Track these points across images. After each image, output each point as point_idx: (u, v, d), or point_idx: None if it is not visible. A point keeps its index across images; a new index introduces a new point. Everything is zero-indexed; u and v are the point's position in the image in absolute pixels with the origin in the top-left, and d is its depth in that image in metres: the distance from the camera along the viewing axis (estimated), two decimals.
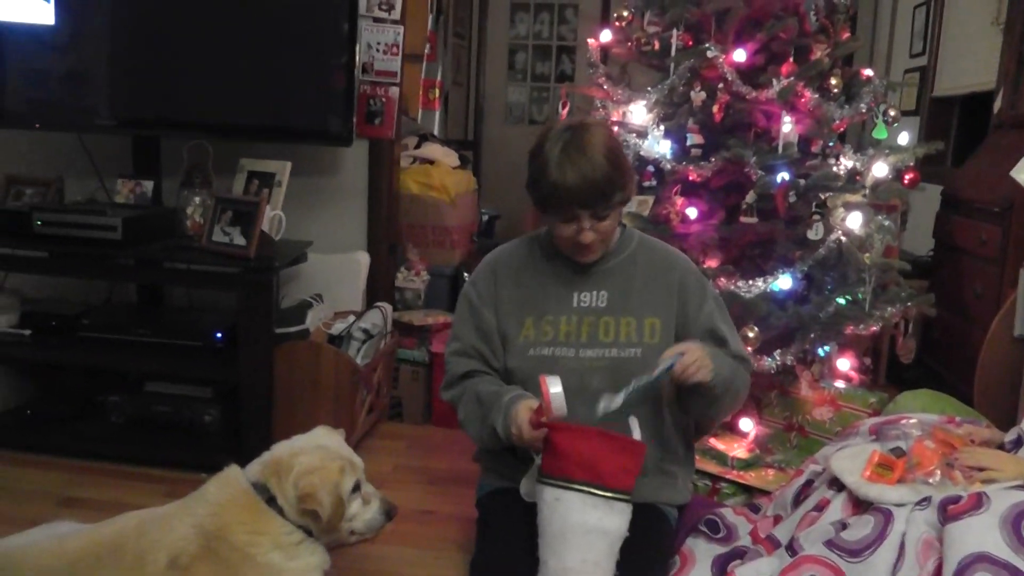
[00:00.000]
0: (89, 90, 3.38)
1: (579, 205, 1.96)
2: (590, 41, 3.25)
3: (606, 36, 3.21)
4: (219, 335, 3.19)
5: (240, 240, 2.94)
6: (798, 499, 2.27)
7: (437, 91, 5.41)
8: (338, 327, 3.29)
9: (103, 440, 3.21)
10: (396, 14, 3.52)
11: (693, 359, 1.92)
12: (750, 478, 2.73)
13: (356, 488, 2.06)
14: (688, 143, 2.95)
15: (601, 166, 1.95)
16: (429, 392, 3.63)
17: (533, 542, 1.96)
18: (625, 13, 3.19)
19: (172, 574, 1.92)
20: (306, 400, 3.11)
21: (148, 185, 3.31)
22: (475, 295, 2.21)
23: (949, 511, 1.84)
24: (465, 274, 4.07)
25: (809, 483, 2.29)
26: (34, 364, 3.48)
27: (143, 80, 3.31)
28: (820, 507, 2.12)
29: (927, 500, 1.91)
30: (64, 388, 3.56)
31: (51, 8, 3.19)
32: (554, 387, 1.87)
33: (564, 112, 3.26)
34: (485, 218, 5.01)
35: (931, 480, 1.98)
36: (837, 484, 2.12)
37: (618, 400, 1.91)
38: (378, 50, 3.52)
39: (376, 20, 3.50)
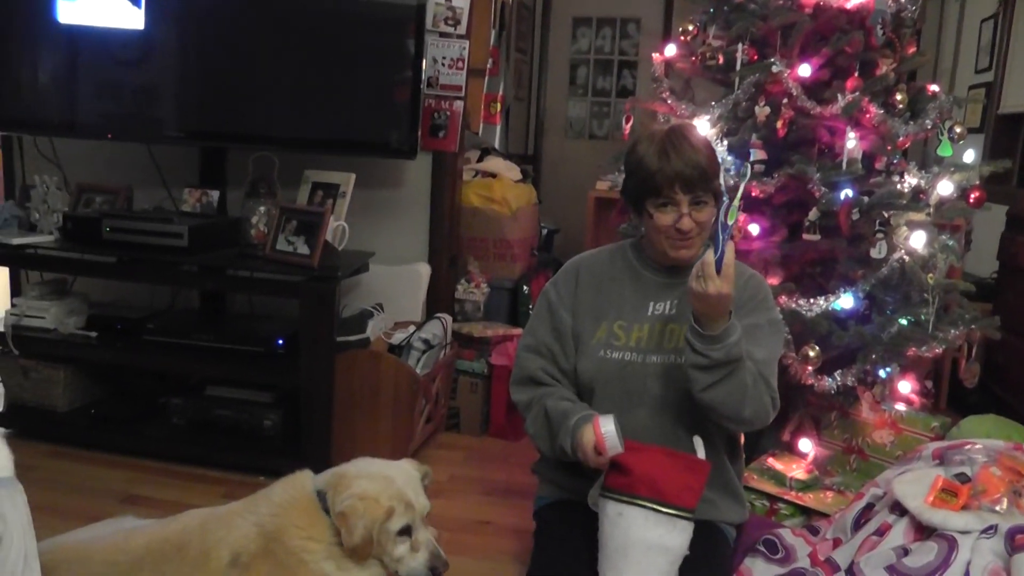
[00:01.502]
0: (160, 102, 3.45)
1: (681, 186, 1.98)
2: (654, 56, 3.23)
3: (670, 50, 3.20)
4: (280, 342, 3.23)
5: (304, 249, 2.99)
6: (858, 523, 2.24)
7: (499, 105, 5.42)
8: (398, 337, 3.32)
9: (165, 441, 3.29)
10: (462, 29, 3.57)
11: (711, 274, 1.82)
12: (809, 500, 2.70)
13: (407, 531, 1.98)
14: (751, 159, 2.93)
15: (702, 150, 2.01)
16: (487, 403, 3.65)
17: (591, 555, 1.96)
18: (690, 27, 3.18)
19: (233, 572, 1.93)
20: (365, 408, 3.15)
21: (214, 195, 3.38)
22: (555, 295, 2.22)
23: (1017, 540, 1.80)
24: (524, 287, 4.08)
25: (870, 507, 2.25)
26: (100, 366, 3.56)
27: (212, 92, 3.38)
28: (881, 531, 2.09)
29: (994, 528, 1.87)
30: (128, 390, 3.65)
31: (141, 14, 3.27)
32: (605, 426, 1.90)
33: (627, 127, 3.26)
34: (544, 232, 5.02)
35: (998, 508, 1.94)
36: (899, 508, 2.09)
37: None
38: (443, 64, 3.56)
39: (442, 35, 3.56)
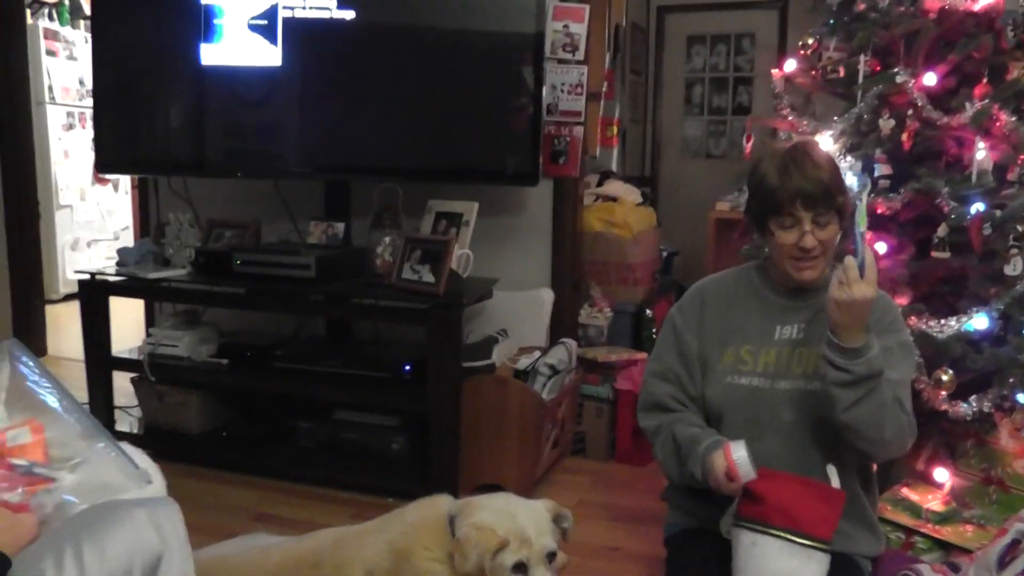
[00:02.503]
0: (287, 138, 3.59)
1: (803, 203, 1.93)
2: (774, 71, 3.19)
3: (790, 65, 3.15)
4: (408, 368, 3.29)
5: (429, 277, 3.05)
6: (1003, 561, 2.13)
7: (615, 128, 5.44)
8: (524, 362, 3.34)
9: (294, 462, 3.39)
10: (580, 54, 3.58)
11: (854, 278, 1.81)
12: (946, 533, 2.57)
13: (522, 569, 1.95)
14: (876, 174, 2.85)
15: (825, 167, 1.96)
16: (613, 428, 3.62)
17: None
18: (809, 41, 3.13)
19: None
20: (492, 432, 3.17)
21: (339, 226, 3.48)
22: (680, 320, 2.19)
23: None
24: (647, 311, 4.06)
25: (1015, 543, 2.15)
26: (231, 391, 3.72)
27: (336, 127, 3.47)
28: None
29: None
30: (257, 413, 3.78)
31: (278, 51, 3.41)
32: (737, 452, 1.86)
33: (748, 146, 3.22)
34: (664, 254, 4.98)
35: None
36: None
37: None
38: (562, 90, 3.58)
39: (560, 61, 3.58)
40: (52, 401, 1.51)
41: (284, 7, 3.37)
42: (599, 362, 3.68)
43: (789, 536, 1.83)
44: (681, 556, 2.15)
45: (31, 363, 1.56)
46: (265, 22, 3.40)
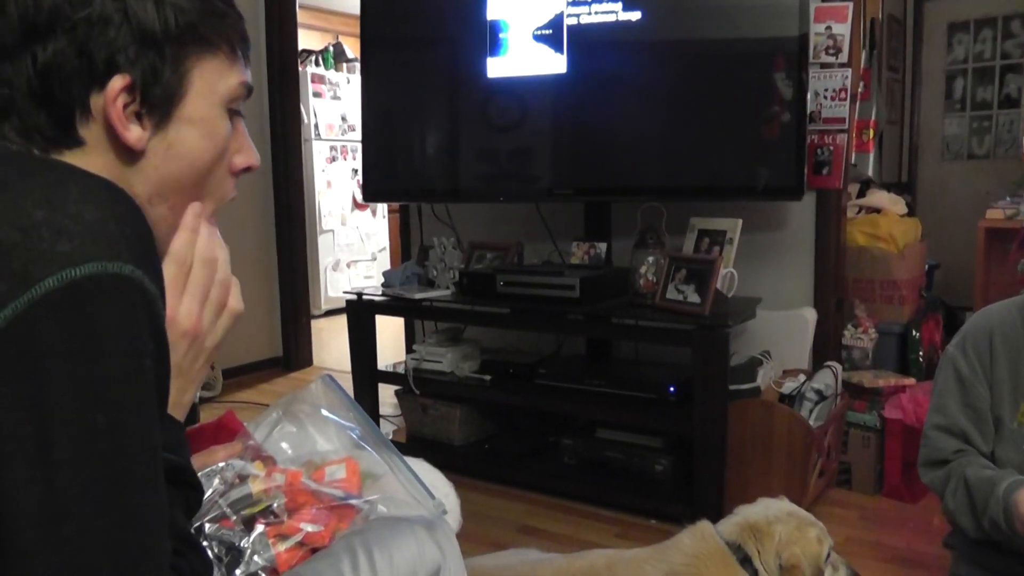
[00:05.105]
0: (549, 160, 3.64)
1: None
2: None
3: None
4: (672, 389, 3.26)
5: (695, 298, 3.02)
6: None
7: (871, 132, 5.21)
8: (789, 386, 3.24)
9: (556, 477, 3.45)
10: (843, 57, 3.43)
11: None
12: None
13: (827, 555, 2.03)
14: None
15: None
16: (880, 460, 3.42)
17: None
18: None
19: None
20: (757, 458, 3.10)
21: (601, 247, 3.51)
22: (966, 365, 1.95)
23: None
24: (914, 332, 3.84)
25: None
26: (493, 405, 3.83)
27: (596, 147, 3.49)
28: None
29: None
30: (520, 428, 3.89)
31: (563, 58, 3.46)
32: None
33: None
34: (925, 268, 4.69)
35: None
36: None
37: None
38: (825, 96, 3.44)
39: (823, 66, 3.44)
40: (358, 435, 1.59)
41: (569, 15, 3.42)
42: (865, 387, 3.49)
43: None
44: None
45: (343, 399, 1.65)
46: (550, 31, 3.46)
